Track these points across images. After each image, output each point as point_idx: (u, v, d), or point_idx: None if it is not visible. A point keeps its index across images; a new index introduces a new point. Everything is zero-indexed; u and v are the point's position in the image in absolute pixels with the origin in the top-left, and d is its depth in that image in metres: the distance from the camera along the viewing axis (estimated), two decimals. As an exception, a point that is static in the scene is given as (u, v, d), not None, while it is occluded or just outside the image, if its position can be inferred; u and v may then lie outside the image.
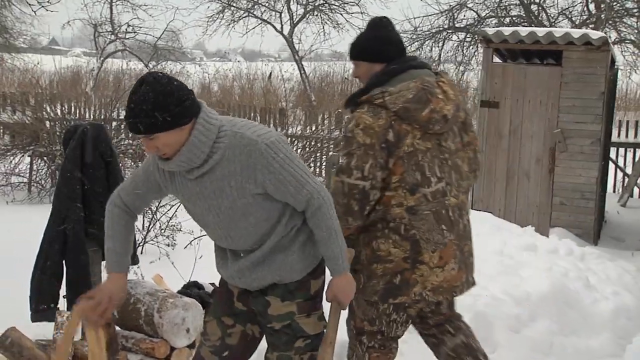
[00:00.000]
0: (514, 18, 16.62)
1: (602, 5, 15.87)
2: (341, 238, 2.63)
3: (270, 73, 22.66)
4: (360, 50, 3.12)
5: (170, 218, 6.72)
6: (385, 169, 2.92)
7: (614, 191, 11.22)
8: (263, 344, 2.84)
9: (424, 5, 19.55)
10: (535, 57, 8.78)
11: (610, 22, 15.76)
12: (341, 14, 20.55)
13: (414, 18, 21.78)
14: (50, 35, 35.88)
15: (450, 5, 16.67)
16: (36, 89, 12.72)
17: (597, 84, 7.49)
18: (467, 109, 3.17)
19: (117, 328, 3.79)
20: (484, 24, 16.34)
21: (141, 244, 6.39)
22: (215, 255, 2.81)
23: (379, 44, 3.07)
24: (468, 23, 16.86)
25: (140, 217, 3.99)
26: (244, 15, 21.04)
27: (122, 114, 10.88)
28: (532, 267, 5.20)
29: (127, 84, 15.78)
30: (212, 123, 2.48)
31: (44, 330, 3.93)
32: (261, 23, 21.20)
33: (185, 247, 6.49)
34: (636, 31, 15.89)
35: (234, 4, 20.78)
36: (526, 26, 14.66)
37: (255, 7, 20.89)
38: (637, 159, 10.89)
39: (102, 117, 11.60)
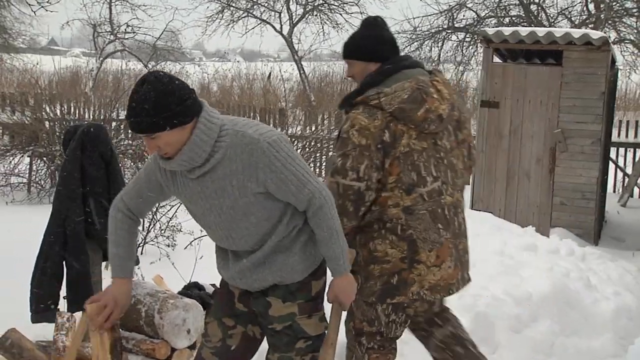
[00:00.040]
0: (513, 18, 16.62)
1: (601, 5, 15.86)
2: (342, 238, 2.62)
3: (270, 73, 22.66)
4: (354, 49, 3.11)
5: (170, 218, 6.72)
6: (381, 169, 2.92)
7: (614, 191, 11.22)
8: (264, 345, 2.83)
9: (423, 5, 19.58)
10: (536, 57, 8.78)
11: (609, 22, 15.76)
12: (340, 14, 20.54)
13: (414, 18, 21.90)
14: (49, 35, 35.92)
15: (449, 5, 16.68)
16: (35, 89, 12.70)
17: (598, 83, 7.49)
18: (461, 107, 3.18)
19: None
20: (484, 24, 16.34)
21: (141, 245, 6.39)
22: (216, 256, 2.80)
23: (373, 44, 3.07)
24: (467, 23, 16.86)
25: (140, 217, 3.97)
26: (243, 15, 21.03)
27: (122, 114, 10.92)
28: (532, 267, 5.20)
29: (126, 84, 15.77)
30: (213, 122, 2.48)
31: (44, 331, 3.92)
32: (260, 23, 21.19)
33: (186, 247, 6.48)
34: (635, 31, 15.89)
35: (233, 4, 20.78)
36: (526, 26, 14.66)
37: (255, 7, 20.88)
38: (637, 158, 10.89)
39: (101, 117, 11.58)
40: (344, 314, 2.87)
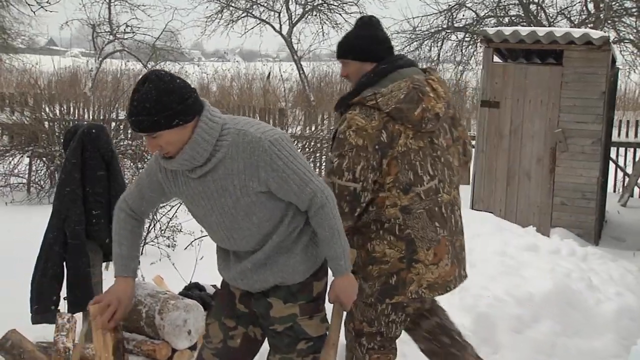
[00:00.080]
0: (512, 18, 16.63)
1: (601, 5, 15.86)
2: (344, 238, 2.61)
3: (269, 73, 22.67)
4: (350, 49, 3.11)
5: (171, 219, 6.71)
6: (377, 170, 2.92)
7: (614, 191, 11.21)
8: (265, 347, 2.82)
9: (422, 5, 19.62)
10: (536, 56, 8.77)
11: (609, 21, 15.76)
12: (340, 14, 20.55)
13: (413, 18, 21.87)
14: (49, 35, 35.85)
15: (449, 5, 16.69)
16: (35, 90, 12.68)
17: (598, 83, 7.48)
18: (454, 105, 3.19)
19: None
20: (483, 23, 16.35)
21: (141, 245, 6.36)
22: (217, 257, 2.79)
23: (369, 43, 3.07)
24: (467, 23, 16.87)
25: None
26: (243, 15, 21.04)
27: (121, 114, 10.91)
28: (534, 268, 5.18)
29: (125, 85, 15.76)
30: (215, 121, 2.47)
31: (45, 332, 3.92)
32: (260, 23, 21.20)
33: (186, 248, 6.47)
34: (635, 31, 15.90)
35: (233, 4, 20.78)
36: (525, 26, 14.66)
37: (254, 7, 20.88)
38: (637, 158, 10.88)
39: (101, 117, 11.57)
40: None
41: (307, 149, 10.70)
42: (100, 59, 21.30)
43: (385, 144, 2.91)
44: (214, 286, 4.25)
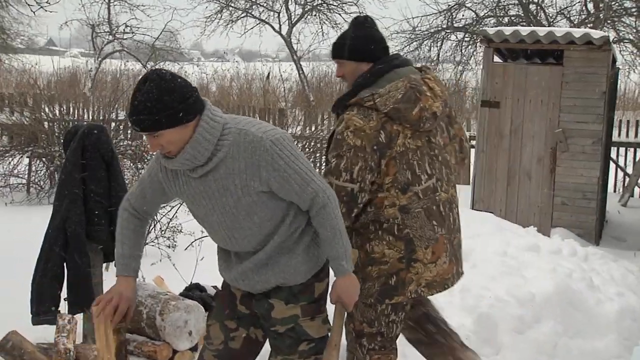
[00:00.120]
0: (512, 18, 16.63)
1: (600, 5, 15.86)
2: (346, 238, 2.60)
3: (269, 73, 22.67)
4: (345, 49, 3.10)
5: (171, 219, 6.69)
6: (375, 171, 2.92)
7: (615, 191, 11.21)
8: (266, 348, 2.81)
9: (422, 5, 19.60)
10: (536, 56, 8.76)
11: (608, 21, 15.76)
12: (339, 14, 20.52)
13: (412, 18, 21.80)
14: (48, 35, 35.89)
15: (448, 5, 16.68)
16: (34, 90, 12.67)
17: (599, 83, 7.48)
18: (450, 103, 3.20)
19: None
20: (483, 23, 16.34)
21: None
22: (218, 258, 2.78)
23: (364, 43, 3.06)
24: (466, 23, 16.86)
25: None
26: (242, 15, 21.02)
27: (121, 114, 10.90)
28: (535, 268, 5.17)
29: (125, 85, 15.75)
30: (216, 120, 2.46)
31: (45, 333, 3.91)
32: (259, 23, 21.19)
33: (186, 248, 6.46)
34: (635, 31, 15.90)
35: (232, 4, 20.77)
36: (525, 26, 14.66)
37: (254, 7, 20.87)
38: (637, 158, 10.88)
39: (100, 117, 11.56)
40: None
41: (306, 149, 10.69)
42: (99, 59, 21.28)
43: (383, 145, 2.91)
44: (215, 287, 4.24)
